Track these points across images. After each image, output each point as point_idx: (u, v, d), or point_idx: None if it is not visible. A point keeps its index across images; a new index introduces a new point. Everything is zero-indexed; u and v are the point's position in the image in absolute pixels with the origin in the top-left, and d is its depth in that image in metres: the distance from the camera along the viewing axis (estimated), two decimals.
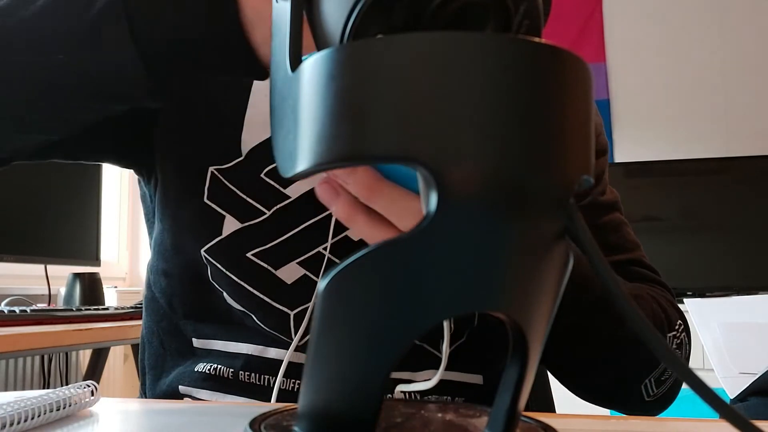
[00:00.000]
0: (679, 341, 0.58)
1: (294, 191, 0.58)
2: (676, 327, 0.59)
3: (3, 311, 1.31)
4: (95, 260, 1.92)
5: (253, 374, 0.57)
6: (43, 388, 2.05)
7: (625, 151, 3.23)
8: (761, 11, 3.12)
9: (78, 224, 1.87)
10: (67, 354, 2.10)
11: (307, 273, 0.57)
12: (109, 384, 2.37)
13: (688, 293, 2.74)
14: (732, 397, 1.00)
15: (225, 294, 0.59)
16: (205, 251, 0.58)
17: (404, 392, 0.54)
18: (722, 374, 1.09)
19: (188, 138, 0.61)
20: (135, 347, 1.93)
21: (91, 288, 1.81)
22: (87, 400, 0.43)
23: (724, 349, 1.13)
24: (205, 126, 0.60)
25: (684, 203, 2.98)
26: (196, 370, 0.59)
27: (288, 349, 0.55)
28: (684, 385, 0.23)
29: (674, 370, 0.23)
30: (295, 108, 0.26)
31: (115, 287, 2.15)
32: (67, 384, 0.70)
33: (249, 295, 0.57)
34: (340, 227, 0.57)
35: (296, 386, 0.56)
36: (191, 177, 0.59)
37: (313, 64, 0.25)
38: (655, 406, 0.58)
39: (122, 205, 2.74)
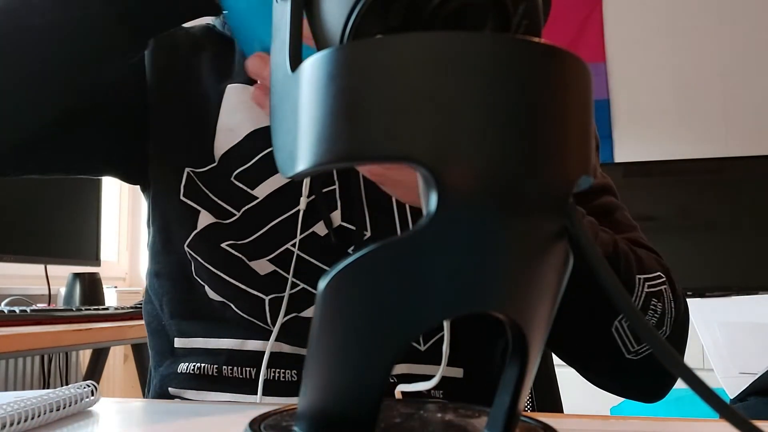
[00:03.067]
0: (655, 290, 0.54)
1: (261, 192, 0.60)
2: (652, 275, 0.55)
3: (3, 311, 1.30)
4: (95, 260, 1.91)
5: (235, 368, 0.59)
6: (43, 388, 2.05)
7: (624, 151, 3.23)
8: (761, 11, 3.12)
9: (78, 224, 1.87)
10: (67, 354, 2.10)
11: (277, 269, 0.59)
12: (109, 384, 2.37)
13: (688, 293, 2.74)
14: (732, 397, 1.00)
15: (207, 287, 0.61)
16: (187, 246, 0.61)
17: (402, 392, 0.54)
18: (722, 374, 1.09)
19: (171, 143, 0.64)
20: (135, 347, 1.93)
21: (91, 288, 1.81)
22: (87, 400, 0.43)
23: (724, 349, 1.13)
24: (184, 132, 0.64)
25: (683, 203, 2.98)
26: (179, 371, 0.61)
27: (266, 340, 0.57)
28: (684, 385, 0.23)
29: (674, 370, 0.23)
30: (295, 108, 0.26)
31: (115, 287, 2.15)
32: (67, 384, 0.70)
33: (226, 284, 0.60)
34: (306, 223, 0.59)
35: (279, 376, 0.57)
36: (171, 177, 0.63)
37: (313, 64, 0.25)
38: (641, 374, 0.55)
39: (122, 205, 2.73)
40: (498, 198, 0.23)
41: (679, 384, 0.24)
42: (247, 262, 0.60)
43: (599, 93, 3.21)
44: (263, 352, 0.57)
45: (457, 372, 0.60)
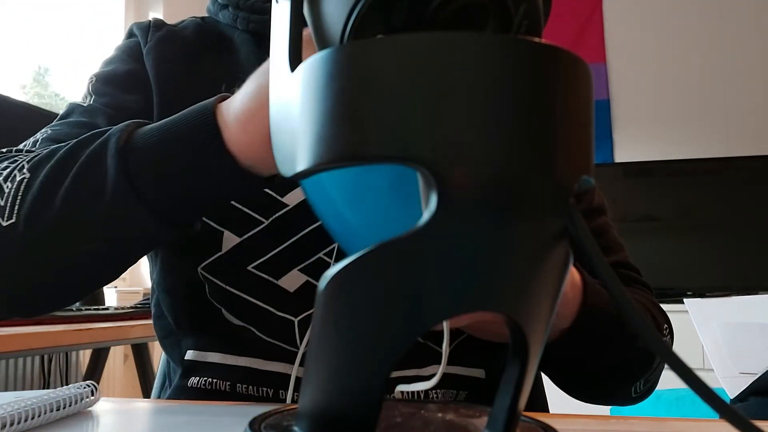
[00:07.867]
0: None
1: (291, 199, 0.58)
2: (664, 331, 0.60)
3: None
4: None
5: (251, 387, 0.57)
6: (43, 388, 2.05)
7: (624, 151, 3.23)
8: (761, 12, 3.12)
9: None
10: (67, 354, 2.10)
11: (310, 279, 0.57)
12: (109, 384, 2.37)
13: (688, 293, 2.74)
14: (732, 397, 1.00)
15: (223, 310, 0.59)
16: (202, 269, 0.59)
17: (403, 392, 0.54)
18: (722, 374, 1.08)
19: None
20: (135, 347, 1.93)
21: None
22: (87, 400, 0.43)
23: (724, 349, 1.13)
24: None
25: (684, 203, 2.98)
26: (189, 385, 0.59)
27: (290, 363, 0.56)
28: (684, 385, 0.23)
29: (675, 371, 0.23)
30: (295, 108, 0.26)
31: (115, 287, 2.15)
32: (67, 384, 0.70)
33: (250, 307, 0.58)
34: None
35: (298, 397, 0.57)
36: None
37: (313, 64, 0.25)
38: (636, 401, 0.61)
39: None
40: (498, 198, 0.23)
41: (679, 384, 0.24)
42: (275, 281, 0.57)
43: (599, 93, 3.21)
44: (284, 374, 0.56)
45: (479, 373, 0.60)
